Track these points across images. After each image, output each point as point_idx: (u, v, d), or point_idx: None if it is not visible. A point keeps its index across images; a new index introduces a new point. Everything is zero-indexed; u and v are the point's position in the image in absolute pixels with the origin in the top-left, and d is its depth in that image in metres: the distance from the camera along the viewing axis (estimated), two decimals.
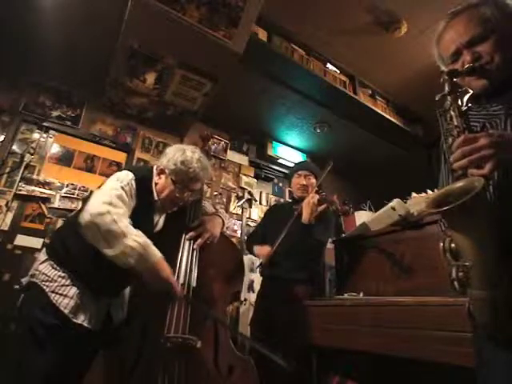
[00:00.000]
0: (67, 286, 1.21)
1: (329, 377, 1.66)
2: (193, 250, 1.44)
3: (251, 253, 2.12)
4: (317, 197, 1.83)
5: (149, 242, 1.15)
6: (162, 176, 1.35)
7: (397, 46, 2.85)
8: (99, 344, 1.28)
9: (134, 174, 1.29)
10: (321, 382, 1.62)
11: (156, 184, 1.36)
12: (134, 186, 1.26)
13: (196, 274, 1.38)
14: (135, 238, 1.11)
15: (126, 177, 1.26)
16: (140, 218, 1.24)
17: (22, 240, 2.47)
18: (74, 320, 1.17)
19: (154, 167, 1.41)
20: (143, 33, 2.27)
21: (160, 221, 1.42)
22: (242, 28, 2.30)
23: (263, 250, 1.87)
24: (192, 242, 1.45)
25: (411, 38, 2.76)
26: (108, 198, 1.15)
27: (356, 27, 2.74)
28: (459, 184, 0.67)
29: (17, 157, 2.62)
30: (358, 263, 1.83)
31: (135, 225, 1.17)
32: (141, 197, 1.28)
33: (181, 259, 1.39)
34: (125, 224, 1.13)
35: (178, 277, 1.31)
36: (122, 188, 1.21)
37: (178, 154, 1.35)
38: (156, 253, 1.16)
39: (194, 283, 1.35)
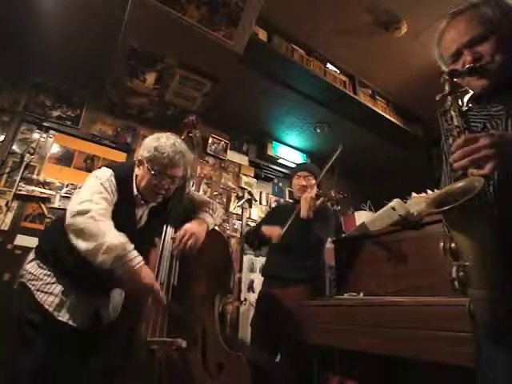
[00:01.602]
0: (52, 283, 1.20)
1: (329, 377, 1.66)
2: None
3: (250, 246, 2.14)
4: (314, 192, 1.85)
5: (130, 247, 1.09)
6: (141, 167, 1.33)
7: (397, 45, 2.85)
8: (88, 344, 1.23)
9: (113, 170, 1.28)
10: (321, 382, 1.62)
11: (136, 176, 1.33)
12: (114, 181, 1.25)
13: (177, 271, 1.30)
14: (113, 238, 1.07)
15: (105, 173, 1.25)
16: (121, 214, 1.22)
17: (21, 240, 2.46)
18: (59, 318, 1.17)
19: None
20: (143, 33, 2.27)
21: (144, 216, 1.37)
22: (242, 28, 2.30)
23: (274, 230, 1.84)
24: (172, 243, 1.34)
25: (411, 38, 2.76)
26: (87, 196, 1.14)
27: (356, 27, 2.74)
28: (459, 184, 0.67)
29: (17, 157, 2.61)
30: (358, 263, 1.83)
31: (117, 222, 1.14)
32: (121, 192, 1.26)
33: (161, 255, 1.30)
34: (105, 223, 1.10)
35: (157, 275, 1.23)
36: (102, 185, 1.20)
37: (153, 141, 1.33)
38: (136, 257, 1.10)
39: (175, 281, 1.27)
